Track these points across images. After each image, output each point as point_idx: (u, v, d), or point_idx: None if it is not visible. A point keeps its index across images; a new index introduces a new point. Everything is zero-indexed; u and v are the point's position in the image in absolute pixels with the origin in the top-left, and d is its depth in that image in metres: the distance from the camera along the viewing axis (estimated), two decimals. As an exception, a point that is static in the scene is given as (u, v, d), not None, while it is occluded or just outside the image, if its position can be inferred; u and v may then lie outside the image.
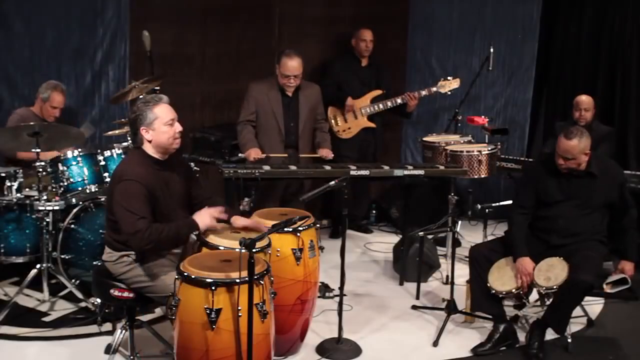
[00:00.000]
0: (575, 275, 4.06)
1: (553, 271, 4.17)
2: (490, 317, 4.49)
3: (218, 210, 3.67)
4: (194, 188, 3.86)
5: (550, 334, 4.31)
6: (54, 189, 4.65)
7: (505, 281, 4.26)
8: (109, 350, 3.98)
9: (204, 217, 3.61)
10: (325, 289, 4.98)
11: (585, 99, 5.78)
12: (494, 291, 4.25)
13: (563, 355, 4.25)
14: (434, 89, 5.95)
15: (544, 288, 4.15)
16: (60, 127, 4.77)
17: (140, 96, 4.62)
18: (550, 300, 4.20)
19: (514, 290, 4.22)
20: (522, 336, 4.38)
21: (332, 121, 6.20)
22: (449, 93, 6.04)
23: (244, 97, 5.31)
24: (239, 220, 3.80)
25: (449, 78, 6.03)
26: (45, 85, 5.16)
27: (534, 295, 4.42)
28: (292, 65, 5.19)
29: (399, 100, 6.02)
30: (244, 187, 4.77)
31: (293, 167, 4.98)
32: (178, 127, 3.62)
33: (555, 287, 4.11)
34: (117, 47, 5.60)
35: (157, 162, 3.63)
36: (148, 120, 3.56)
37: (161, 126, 3.57)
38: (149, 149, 3.62)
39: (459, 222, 6.18)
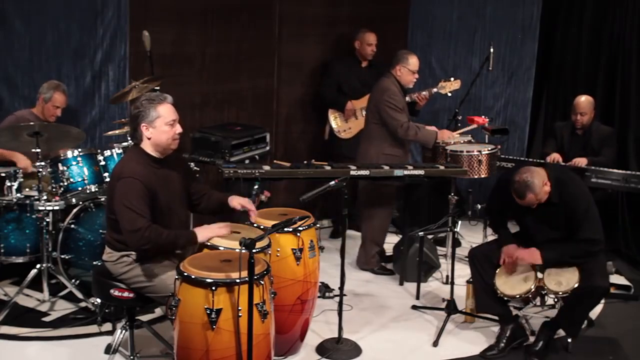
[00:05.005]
0: (591, 281, 4.05)
1: (564, 275, 4.15)
2: (490, 317, 4.50)
3: (219, 230, 3.67)
4: (192, 185, 3.87)
5: (551, 334, 4.32)
6: (54, 189, 4.65)
7: (514, 285, 4.24)
8: (109, 350, 3.98)
9: (205, 233, 3.62)
10: (325, 289, 4.98)
11: (582, 102, 5.74)
12: (501, 295, 4.24)
13: (563, 355, 4.26)
14: (434, 89, 5.95)
15: (555, 293, 4.14)
16: (61, 127, 4.76)
17: (144, 94, 4.61)
18: (559, 302, 4.20)
19: (522, 295, 4.21)
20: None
21: (333, 121, 6.22)
22: (449, 94, 6.04)
23: (390, 103, 5.26)
24: (234, 201, 3.83)
25: (450, 79, 6.01)
26: (47, 85, 5.15)
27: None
28: (417, 60, 5.44)
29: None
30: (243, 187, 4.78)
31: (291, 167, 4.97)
32: (178, 128, 3.63)
33: (564, 292, 4.10)
34: (117, 47, 5.59)
35: (156, 160, 3.63)
36: (150, 118, 3.56)
37: (162, 125, 3.57)
38: (147, 146, 3.62)
39: (459, 222, 6.18)
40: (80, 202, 4.73)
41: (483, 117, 6.14)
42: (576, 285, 4.07)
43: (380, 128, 5.34)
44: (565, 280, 4.12)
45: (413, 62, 5.39)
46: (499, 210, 4.46)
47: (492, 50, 6.13)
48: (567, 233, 4.16)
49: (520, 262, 4.21)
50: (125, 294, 3.64)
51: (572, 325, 4.20)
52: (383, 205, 5.48)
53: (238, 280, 3.22)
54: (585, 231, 4.09)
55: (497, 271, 4.29)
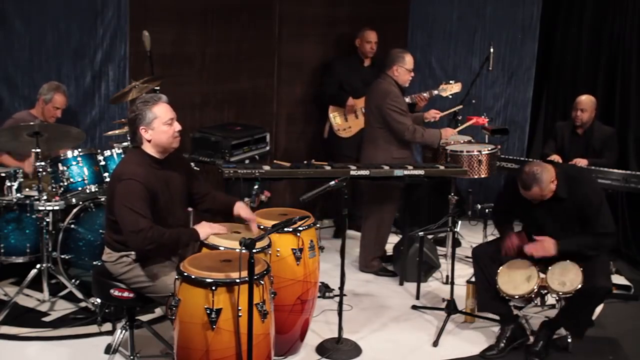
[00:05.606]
0: (593, 281, 4.05)
1: (567, 275, 4.14)
2: (490, 317, 4.49)
3: (219, 228, 3.71)
4: (193, 185, 3.87)
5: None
6: (54, 189, 4.65)
7: (517, 285, 4.22)
8: (109, 350, 3.98)
9: (205, 229, 3.66)
10: (325, 289, 4.98)
11: (584, 100, 5.80)
12: (504, 294, 4.23)
13: (563, 355, 4.26)
14: (435, 92, 5.95)
15: (559, 293, 4.13)
16: (61, 127, 4.77)
17: (140, 96, 4.62)
18: (560, 302, 4.20)
19: (525, 295, 4.20)
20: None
21: (333, 119, 6.22)
22: (450, 97, 6.04)
23: (395, 106, 5.21)
24: (241, 210, 3.82)
25: (450, 82, 6.00)
26: (47, 86, 5.15)
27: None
28: (412, 58, 5.39)
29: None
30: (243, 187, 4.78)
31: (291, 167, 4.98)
32: (177, 126, 3.63)
33: (567, 292, 4.10)
34: (117, 47, 5.59)
35: (156, 161, 3.63)
36: (147, 120, 3.56)
37: (160, 125, 3.57)
38: (148, 148, 3.62)
39: (459, 222, 6.18)
40: (80, 202, 4.73)
41: (483, 117, 6.15)
42: (580, 286, 4.07)
43: (385, 132, 5.29)
44: (569, 280, 4.11)
45: (409, 60, 5.36)
46: (504, 210, 4.45)
47: (492, 50, 6.13)
48: (574, 228, 4.15)
49: (536, 253, 4.15)
50: (125, 294, 3.64)
51: (577, 326, 4.20)
52: (387, 210, 5.46)
53: (238, 280, 3.22)
54: (600, 225, 4.11)
55: (499, 270, 4.29)
